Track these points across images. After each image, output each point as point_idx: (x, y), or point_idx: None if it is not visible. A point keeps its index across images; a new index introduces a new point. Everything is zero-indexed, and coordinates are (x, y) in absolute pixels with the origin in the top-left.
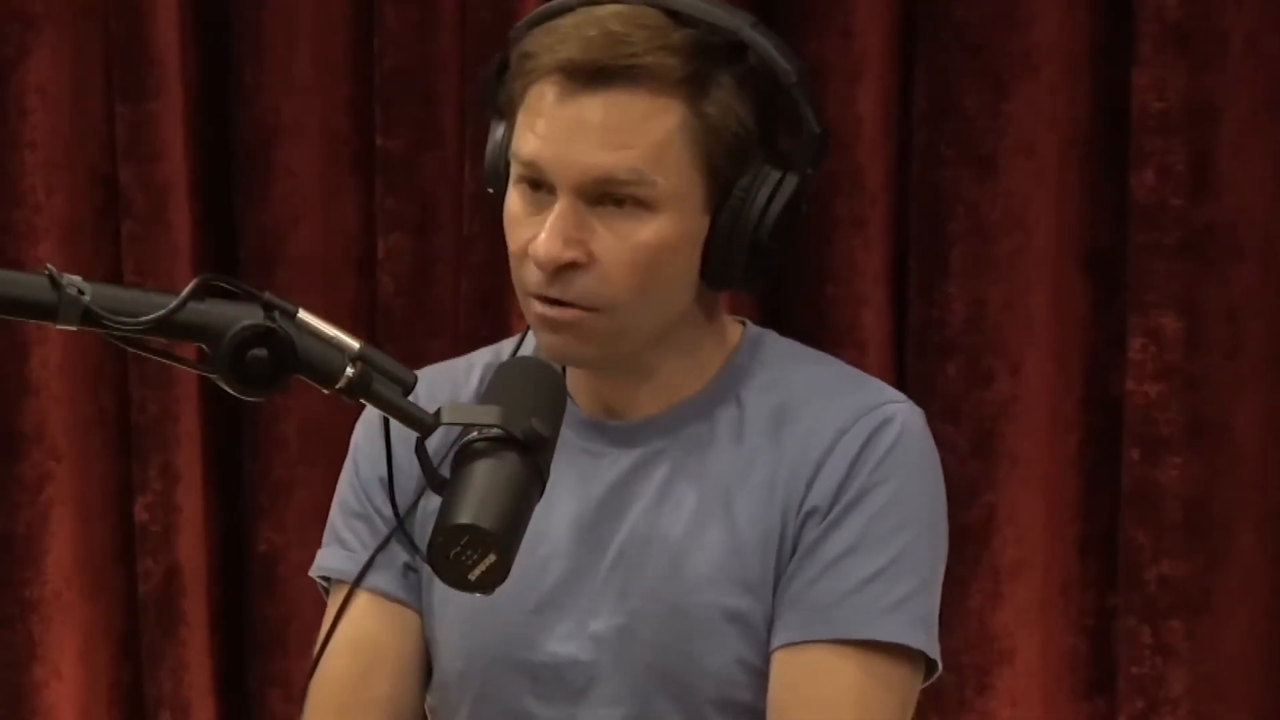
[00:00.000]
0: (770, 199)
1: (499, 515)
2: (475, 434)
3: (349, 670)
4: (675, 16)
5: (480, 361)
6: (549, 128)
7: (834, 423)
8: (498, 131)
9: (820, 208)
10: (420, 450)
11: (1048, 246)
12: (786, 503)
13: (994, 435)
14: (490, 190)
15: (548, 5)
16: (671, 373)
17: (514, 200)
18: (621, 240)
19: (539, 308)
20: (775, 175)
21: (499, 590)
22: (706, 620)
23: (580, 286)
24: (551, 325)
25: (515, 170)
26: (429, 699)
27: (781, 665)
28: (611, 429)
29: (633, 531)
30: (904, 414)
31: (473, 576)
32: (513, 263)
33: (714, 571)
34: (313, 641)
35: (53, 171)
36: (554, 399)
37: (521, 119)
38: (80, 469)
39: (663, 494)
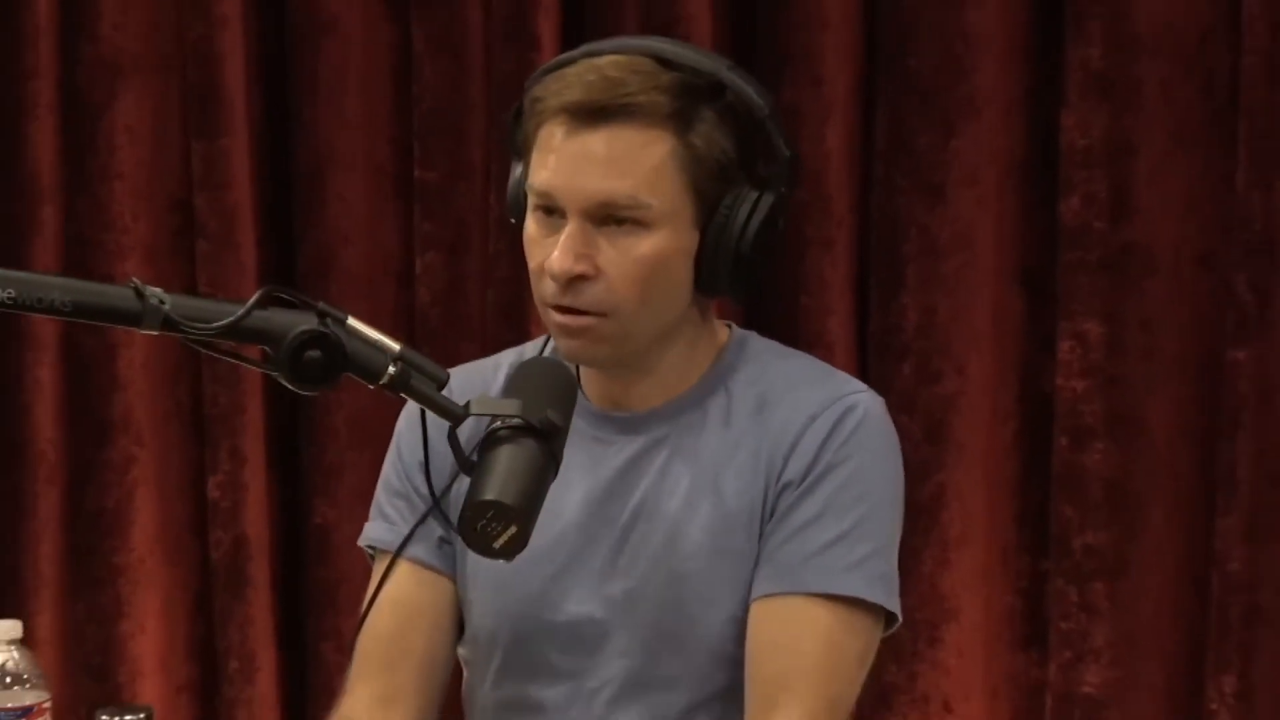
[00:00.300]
0: (750, 215)
1: (519, 493)
2: (499, 423)
3: (391, 626)
4: (664, 62)
5: (505, 361)
6: (558, 161)
7: (807, 409)
8: (516, 170)
9: (794, 230)
10: (452, 437)
11: (989, 264)
12: (767, 477)
13: (943, 425)
14: (513, 220)
15: (556, 58)
16: (670, 369)
17: (531, 225)
18: (624, 255)
19: (556, 316)
20: (754, 195)
21: (524, 559)
22: (701, 584)
23: (590, 295)
24: (567, 331)
25: (531, 199)
26: (462, 651)
27: (757, 615)
28: (618, 419)
29: (637, 508)
30: (866, 402)
31: (497, 545)
32: (532, 279)
33: (707, 541)
34: (360, 602)
35: (138, 199)
36: (567, 394)
37: (535, 156)
38: (160, 453)
39: (663, 475)
